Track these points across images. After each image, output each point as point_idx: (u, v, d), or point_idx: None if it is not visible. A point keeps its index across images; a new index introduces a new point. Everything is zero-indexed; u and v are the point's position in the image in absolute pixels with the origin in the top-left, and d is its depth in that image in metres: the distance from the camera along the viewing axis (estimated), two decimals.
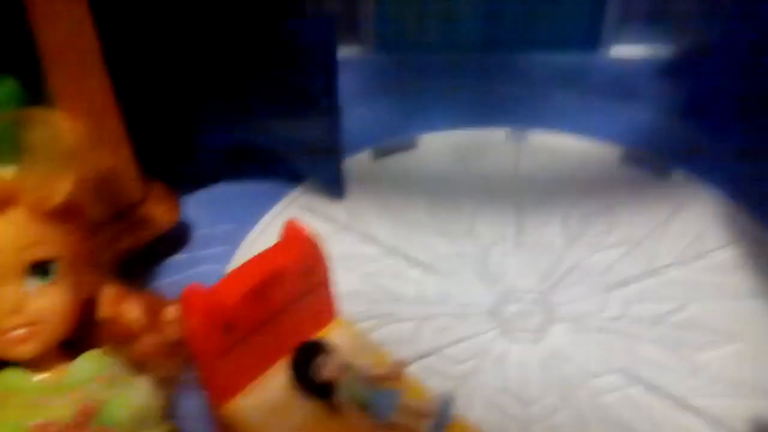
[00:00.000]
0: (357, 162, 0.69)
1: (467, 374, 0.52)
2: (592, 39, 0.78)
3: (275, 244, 0.45)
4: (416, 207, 0.65)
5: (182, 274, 0.58)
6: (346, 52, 0.64)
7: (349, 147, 0.70)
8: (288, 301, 0.45)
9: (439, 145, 0.71)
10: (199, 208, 0.63)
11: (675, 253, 0.60)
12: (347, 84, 0.62)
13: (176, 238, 0.59)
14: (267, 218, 0.63)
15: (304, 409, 0.44)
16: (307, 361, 0.44)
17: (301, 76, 0.62)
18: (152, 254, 0.58)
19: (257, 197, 0.65)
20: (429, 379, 0.49)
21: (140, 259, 0.57)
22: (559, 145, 0.70)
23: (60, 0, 0.47)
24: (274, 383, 0.45)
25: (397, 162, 0.70)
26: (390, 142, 0.71)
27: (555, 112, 0.72)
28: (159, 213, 0.58)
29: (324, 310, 0.48)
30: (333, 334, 0.48)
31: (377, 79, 0.77)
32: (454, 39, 0.79)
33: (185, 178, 0.63)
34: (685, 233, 0.61)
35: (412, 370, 0.48)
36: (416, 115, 0.73)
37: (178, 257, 0.59)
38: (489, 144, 0.71)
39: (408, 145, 0.71)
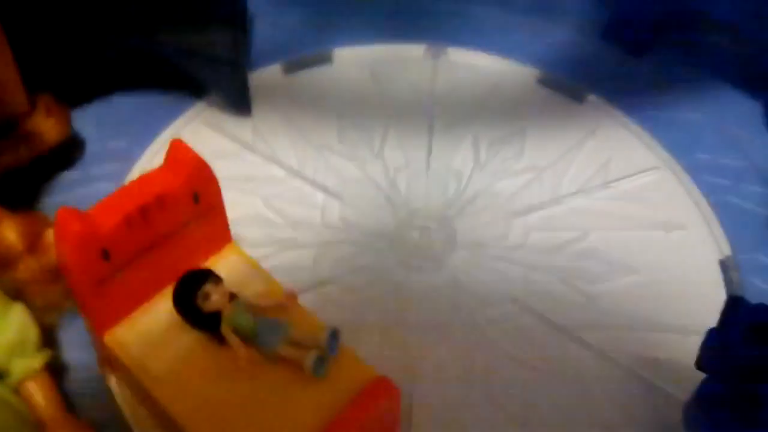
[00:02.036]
0: (266, 76, 0.67)
1: (363, 303, 0.53)
2: None
3: (160, 166, 0.44)
4: (326, 127, 0.64)
5: (72, 193, 0.57)
6: None
7: (258, 60, 0.68)
8: (174, 227, 0.44)
9: (355, 60, 0.69)
10: (92, 122, 0.61)
11: (580, 182, 0.60)
12: None
13: (66, 155, 0.58)
14: (165, 134, 0.61)
15: (189, 338, 0.44)
16: (191, 291, 0.43)
17: None
18: (40, 171, 0.56)
19: (155, 111, 0.63)
20: (325, 308, 0.49)
21: (27, 176, 0.55)
22: (476, 65, 0.69)
23: None
24: (159, 312, 0.45)
25: (309, 77, 0.68)
26: (303, 56, 0.69)
27: (475, 30, 0.71)
28: (47, 127, 0.56)
29: (214, 236, 0.48)
30: (223, 262, 0.47)
31: None
32: None
33: (77, 90, 0.60)
34: (592, 161, 0.62)
35: (308, 299, 0.48)
36: (330, 29, 0.71)
37: (68, 175, 0.57)
38: (406, 60, 0.70)
39: (322, 59, 0.69)
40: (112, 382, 0.47)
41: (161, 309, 0.45)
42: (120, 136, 0.60)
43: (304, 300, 0.45)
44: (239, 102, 0.64)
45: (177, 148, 0.44)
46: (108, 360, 0.46)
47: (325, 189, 0.59)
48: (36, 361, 0.44)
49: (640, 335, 0.52)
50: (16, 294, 0.46)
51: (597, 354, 0.51)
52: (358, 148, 0.62)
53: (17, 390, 0.43)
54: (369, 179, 0.60)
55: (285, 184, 0.59)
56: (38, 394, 0.43)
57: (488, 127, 0.64)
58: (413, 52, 0.70)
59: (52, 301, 0.47)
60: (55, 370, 0.46)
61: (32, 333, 0.44)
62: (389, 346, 0.51)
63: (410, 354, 0.51)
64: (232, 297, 0.43)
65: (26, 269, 0.46)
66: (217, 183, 0.45)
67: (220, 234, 0.48)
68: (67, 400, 0.45)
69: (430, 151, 0.62)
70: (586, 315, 0.53)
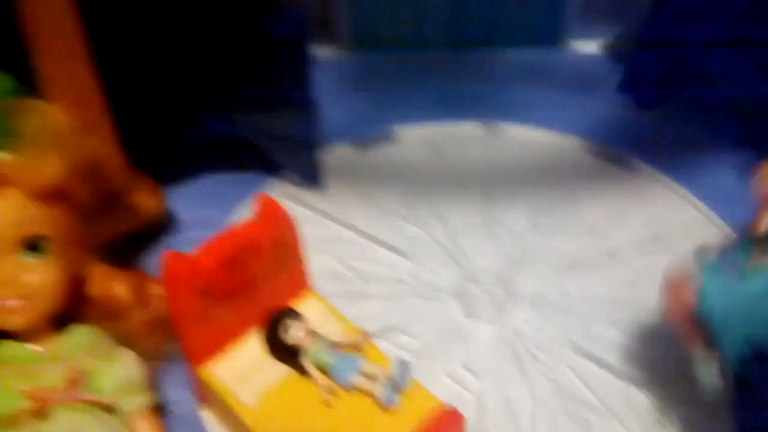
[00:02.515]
0: (338, 152, 0.75)
1: (429, 349, 0.58)
2: (552, 35, 0.82)
3: (250, 218, 0.51)
4: (391, 196, 0.71)
5: None
6: (321, 51, 0.67)
7: (332, 138, 0.75)
8: (262, 271, 0.51)
9: (415, 137, 0.77)
10: (182, 198, 0.68)
11: (631, 240, 0.64)
12: (324, 81, 0.66)
13: (161, 226, 0.63)
14: (247, 205, 0.67)
15: (275, 372, 0.50)
16: (275, 323, 0.49)
17: (275, 70, 0.66)
18: (138, 240, 0.62)
19: (238, 187, 0.69)
20: (393, 352, 0.54)
21: (127, 244, 0.61)
22: (526, 137, 0.75)
23: None
24: (248, 348, 0.51)
25: (377, 153, 0.75)
26: (369, 135, 0.76)
27: (520, 106, 0.77)
28: (144, 202, 0.62)
29: (296, 282, 0.54)
30: (304, 305, 0.53)
31: (352, 77, 0.82)
32: (425, 38, 0.83)
33: (169, 170, 0.67)
34: (641, 220, 0.66)
35: (377, 343, 0.52)
36: (390, 111, 0.79)
37: (162, 242, 0.63)
38: (463, 136, 0.76)
39: (386, 138, 0.76)
40: (206, 412, 0.53)
41: (250, 346, 0.51)
42: (207, 208, 0.66)
43: (372, 342, 0.51)
44: (312, 177, 0.70)
45: (264, 202, 0.50)
46: (202, 391, 0.51)
47: (392, 248, 0.65)
48: (142, 399, 0.49)
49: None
50: (124, 342, 0.51)
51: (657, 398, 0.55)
52: (421, 212, 0.68)
53: (127, 425, 0.48)
54: (432, 239, 0.66)
55: (356, 245, 0.66)
56: (144, 428, 0.48)
57: (541, 193, 0.70)
58: (469, 128, 0.77)
59: (155, 347, 0.53)
60: (158, 408, 0.51)
61: (139, 375, 0.49)
62: (453, 390, 0.55)
63: (473, 394, 0.55)
64: (312, 334, 0.49)
65: (133, 320, 0.52)
66: (298, 233, 0.52)
67: (300, 279, 0.54)
68: None
69: (488, 214, 0.67)
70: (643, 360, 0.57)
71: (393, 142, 0.76)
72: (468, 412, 0.51)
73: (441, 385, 0.54)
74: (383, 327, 0.49)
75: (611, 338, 0.58)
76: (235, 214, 0.66)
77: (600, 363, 0.57)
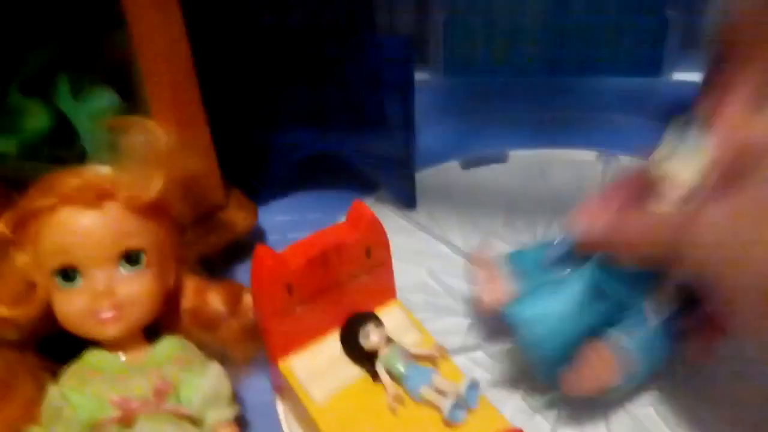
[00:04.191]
0: (445, 170, 0.78)
1: (509, 371, 0.58)
2: (654, 65, 0.82)
3: (341, 222, 0.54)
4: (494, 216, 0.73)
5: None
6: (416, 74, 0.69)
7: (441, 156, 0.79)
8: (347, 275, 0.53)
9: (528, 160, 0.79)
10: (275, 214, 0.71)
11: None
12: (417, 104, 0.68)
13: (253, 240, 0.66)
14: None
15: (349, 374, 0.52)
16: (356, 327, 0.52)
17: (379, 92, 0.69)
18: (231, 255, 0.65)
19: (332, 204, 0.72)
20: (471, 370, 0.56)
21: (220, 259, 0.64)
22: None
23: (157, 15, 0.54)
24: (328, 348, 0.54)
25: (484, 173, 0.78)
26: (481, 154, 0.79)
27: (620, 136, 0.77)
28: (238, 218, 0.66)
29: (382, 290, 0.57)
30: (386, 312, 0.55)
31: (447, 101, 0.83)
32: (520, 62, 0.85)
33: (263, 187, 0.70)
34: None
35: (457, 361, 0.54)
36: (491, 135, 0.81)
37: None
38: (576, 162, 0.78)
39: (497, 158, 0.79)
40: (280, 406, 0.56)
41: (330, 346, 0.54)
42: (298, 227, 0.69)
43: (453, 362, 0.53)
44: (406, 197, 0.72)
45: (357, 208, 0.53)
46: (280, 384, 0.54)
47: None
48: (227, 412, 0.51)
49: None
50: (217, 351, 0.54)
51: None
52: (521, 235, 0.70)
53: None
54: None
55: (449, 260, 0.68)
56: None
57: None
58: (584, 156, 0.78)
59: (247, 355, 0.56)
60: (241, 423, 0.53)
61: (225, 388, 0.52)
62: (527, 414, 0.55)
63: (547, 420, 0.55)
64: (389, 341, 0.51)
65: (229, 329, 0.55)
66: (388, 243, 0.54)
67: (386, 289, 0.57)
68: None
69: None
70: None
71: (503, 163, 0.78)
72: None
73: (514, 408, 0.55)
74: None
75: None
76: None
77: None
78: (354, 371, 0.52)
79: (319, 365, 0.52)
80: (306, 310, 0.52)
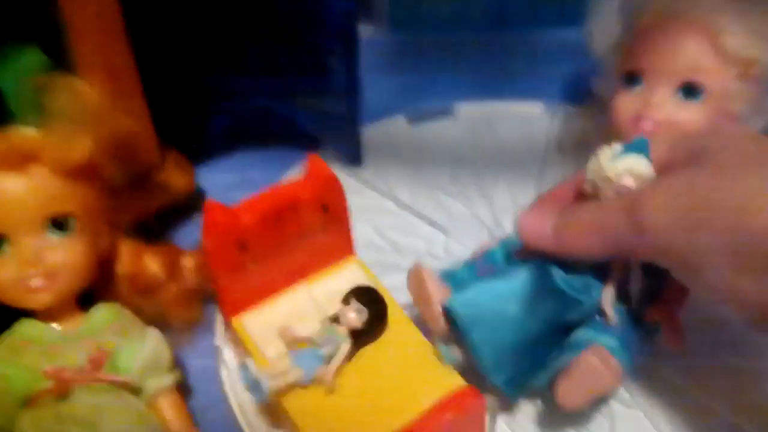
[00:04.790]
0: (391, 125, 0.77)
1: None
2: None
3: (297, 177, 0.53)
4: (440, 171, 0.72)
5: (197, 235, 0.64)
6: (361, 31, 0.68)
7: (386, 110, 0.77)
8: (303, 231, 0.53)
9: (475, 114, 0.78)
10: (214, 173, 0.69)
11: None
12: (362, 59, 0.67)
13: (192, 204, 0.65)
14: (285, 179, 0.69)
15: (304, 332, 0.51)
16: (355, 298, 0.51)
17: (321, 46, 0.67)
18: (169, 218, 0.64)
19: (274, 163, 0.71)
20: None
21: (156, 222, 0.62)
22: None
23: None
24: (284, 305, 0.53)
25: (431, 128, 0.77)
26: (427, 108, 0.78)
27: (567, 86, 0.77)
28: (175, 179, 0.64)
29: (340, 247, 0.56)
30: (345, 271, 0.55)
31: (392, 56, 0.83)
32: (465, 19, 0.84)
33: (201, 145, 0.69)
34: None
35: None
36: (438, 89, 0.80)
37: (194, 218, 0.65)
38: (524, 116, 0.77)
39: (444, 112, 0.78)
40: (224, 371, 0.55)
41: (286, 303, 0.53)
42: (240, 186, 0.68)
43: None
44: (352, 153, 0.72)
45: (313, 163, 0.52)
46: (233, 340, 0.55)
47: (432, 223, 0.67)
48: (167, 379, 0.50)
49: None
50: (156, 317, 0.53)
51: None
52: (468, 189, 0.69)
53: (151, 405, 0.50)
54: (475, 217, 0.67)
55: (396, 217, 0.68)
56: (169, 410, 0.50)
57: None
58: (531, 108, 0.77)
59: (188, 320, 0.55)
60: (183, 389, 0.52)
61: (165, 355, 0.51)
62: None
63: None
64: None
65: (167, 294, 0.54)
66: (345, 198, 0.54)
67: (344, 245, 0.56)
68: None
69: (537, 194, 0.67)
70: None
71: (451, 117, 0.77)
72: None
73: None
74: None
75: None
76: None
77: None
78: (311, 330, 0.51)
79: (274, 323, 0.52)
80: (260, 268, 0.51)
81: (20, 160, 0.47)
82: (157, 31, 0.63)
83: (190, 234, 0.64)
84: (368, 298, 0.51)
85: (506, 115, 0.77)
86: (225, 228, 0.49)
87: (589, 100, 0.66)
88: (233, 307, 0.52)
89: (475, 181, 0.70)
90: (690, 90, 0.55)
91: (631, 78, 0.57)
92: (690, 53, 0.54)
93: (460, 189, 0.69)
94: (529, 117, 0.76)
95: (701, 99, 0.55)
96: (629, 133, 0.55)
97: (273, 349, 0.50)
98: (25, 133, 0.48)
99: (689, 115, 0.55)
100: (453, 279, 0.51)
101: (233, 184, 0.69)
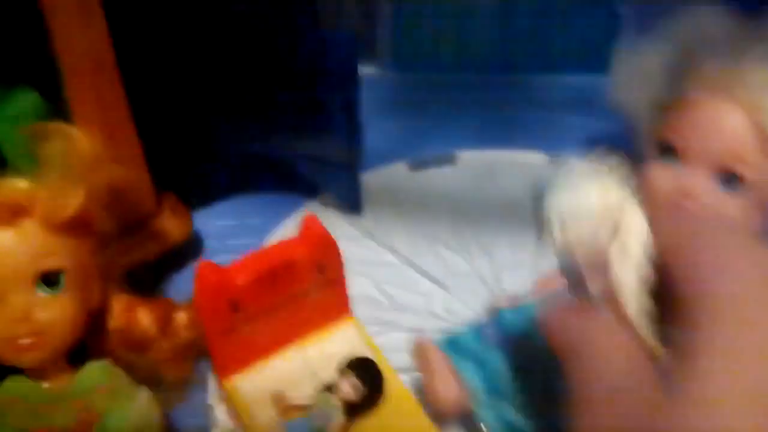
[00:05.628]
0: (392, 172, 0.76)
1: None
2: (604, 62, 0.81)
3: (292, 237, 0.52)
4: (440, 222, 0.71)
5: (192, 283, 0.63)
6: (363, 70, 0.68)
7: (387, 157, 0.77)
8: (298, 292, 0.52)
9: (476, 162, 0.77)
10: (212, 219, 0.68)
11: None
12: (364, 100, 0.66)
13: (189, 250, 0.64)
14: (282, 228, 0.68)
15: (299, 396, 0.51)
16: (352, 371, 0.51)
17: (321, 91, 0.67)
18: (165, 266, 0.63)
19: (273, 209, 0.70)
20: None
21: (152, 270, 0.62)
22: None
23: (78, 16, 0.52)
24: (278, 368, 0.53)
25: (432, 175, 0.76)
26: (428, 156, 0.77)
27: (571, 136, 0.76)
28: (171, 226, 0.64)
29: (334, 307, 0.55)
30: (341, 333, 0.55)
31: (395, 97, 0.82)
32: (470, 59, 0.83)
33: (199, 191, 0.68)
34: None
35: (401, 378, 0.53)
36: (440, 134, 0.79)
37: (190, 267, 0.64)
38: (525, 165, 0.76)
39: (446, 160, 0.77)
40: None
41: (278, 366, 0.52)
42: (238, 233, 0.67)
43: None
44: (351, 200, 0.71)
45: (309, 223, 0.51)
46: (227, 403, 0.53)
47: (431, 277, 0.66)
48: None
49: None
50: (148, 373, 0.52)
51: None
52: (469, 244, 0.68)
53: None
54: (474, 271, 0.66)
55: (396, 270, 0.66)
56: None
57: None
58: (534, 159, 0.77)
59: (180, 377, 0.54)
60: None
61: (154, 416, 0.50)
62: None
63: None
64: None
65: (159, 350, 0.53)
66: (341, 259, 0.53)
67: (340, 305, 0.55)
68: None
69: (539, 251, 0.66)
70: None
71: (452, 165, 0.76)
72: None
73: None
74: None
75: None
76: (266, 239, 0.67)
77: None
78: (302, 397, 0.50)
79: (266, 387, 0.51)
80: (254, 328, 0.51)
81: (11, 214, 0.45)
82: (155, 77, 0.62)
83: (185, 281, 0.63)
84: (366, 373, 0.50)
85: (508, 164, 0.76)
86: (217, 288, 0.48)
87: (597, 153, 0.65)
88: (226, 367, 0.51)
89: (475, 234, 0.69)
90: (729, 179, 0.48)
91: (667, 149, 0.52)
92: (731, 136, 0.50)
93: (460, 242, 0.69)
94: (532, 167, 0.76)
95: (740, 190, 0.48)
96: (666, 207, 0.51)
97: (265, 417, 0.49)
98: (17, 185, 0.46)
99: (727, 209, 0.48)
100: (456, 347, 0.50)
101: (232, 229, 0.68)
